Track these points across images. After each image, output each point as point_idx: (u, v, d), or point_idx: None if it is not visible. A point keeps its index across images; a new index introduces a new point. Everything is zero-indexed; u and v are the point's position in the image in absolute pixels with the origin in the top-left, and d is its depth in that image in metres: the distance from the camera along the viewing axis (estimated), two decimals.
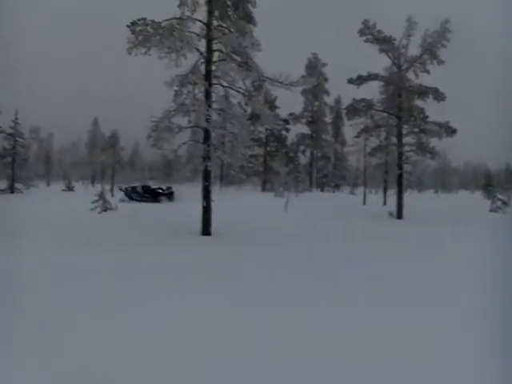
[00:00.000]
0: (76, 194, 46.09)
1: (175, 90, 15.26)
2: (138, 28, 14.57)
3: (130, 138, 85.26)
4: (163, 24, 14.81)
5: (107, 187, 36.15)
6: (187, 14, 15.57)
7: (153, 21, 14.69)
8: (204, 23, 15.81)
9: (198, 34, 15.59)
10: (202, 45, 15.79)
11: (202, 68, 15.66)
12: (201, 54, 15.64)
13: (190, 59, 15.54)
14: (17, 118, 46.93)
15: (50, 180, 78.16)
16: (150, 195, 35.02)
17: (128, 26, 14.60)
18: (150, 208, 27.06)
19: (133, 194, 35.09)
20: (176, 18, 15.13)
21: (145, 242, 13.46)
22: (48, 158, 79.44)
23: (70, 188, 55.78)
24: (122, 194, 36.12)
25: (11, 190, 44.62)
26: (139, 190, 36.09)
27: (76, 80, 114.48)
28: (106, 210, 22.85)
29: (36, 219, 18.18)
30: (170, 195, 35.61)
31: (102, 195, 23.34)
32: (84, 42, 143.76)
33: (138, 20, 14.62)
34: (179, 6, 15.57)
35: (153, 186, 37.95)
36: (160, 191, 36.01)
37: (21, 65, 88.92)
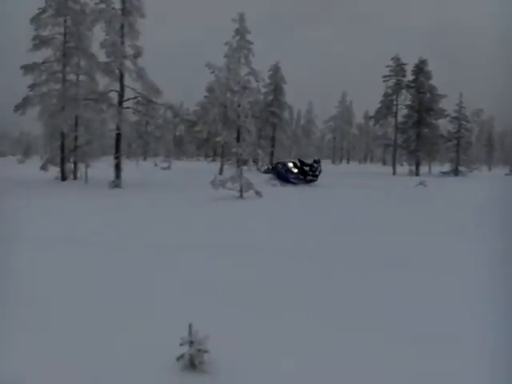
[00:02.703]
0: None
1: None
2: None
3: None
4: None
5: None
6: None
7: None
8: None
9: None
10: None
11: None
12: None
13: None
14: (461, 102, 47.83)
15: (491, 164, 76.75)
16: (304, 175, 25.58)
17: None
18: None
19: (289, 175, 25.39)
20: None
21: None
22: (489, 142, 77.87)
23: None
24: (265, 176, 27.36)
25: (455, 172, 45.98)
26: (291, 167, 25.74)
27: None
28: None
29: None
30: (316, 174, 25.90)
31: None
32: None
33: None
34: None
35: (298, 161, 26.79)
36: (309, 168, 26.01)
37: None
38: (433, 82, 47.69)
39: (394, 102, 49.05)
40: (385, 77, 49.03)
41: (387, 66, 48.90)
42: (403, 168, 50.42)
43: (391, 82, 48.89)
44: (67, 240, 8.97)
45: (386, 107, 48.98)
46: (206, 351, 3.70)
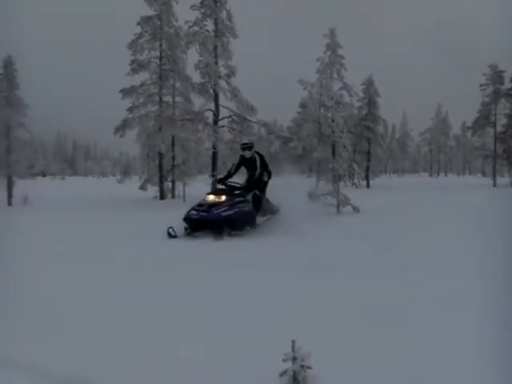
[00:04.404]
0: None
1: None
2: None
3: None
4: None
5: None
6: None
7: None
8: None
9: None
10: None
11: None
12: None
13: None
14: None
15: None
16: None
17: None
18: None
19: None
20: None
21: None
22: None
23: None
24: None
25: None
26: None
27: None
28: None
29: None
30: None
31: None
32: None
33: None
34: None
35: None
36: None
37: None
38: None
39: (493, 112, 46.44)
40: (482, 85, 46.65)
41: (484, 75, 46.48)
42: (504, 179, 47.62)
43: (489, 91, 46.43)
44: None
45: (484, 117, 46.46)
46: (309, 367, 3.69)
